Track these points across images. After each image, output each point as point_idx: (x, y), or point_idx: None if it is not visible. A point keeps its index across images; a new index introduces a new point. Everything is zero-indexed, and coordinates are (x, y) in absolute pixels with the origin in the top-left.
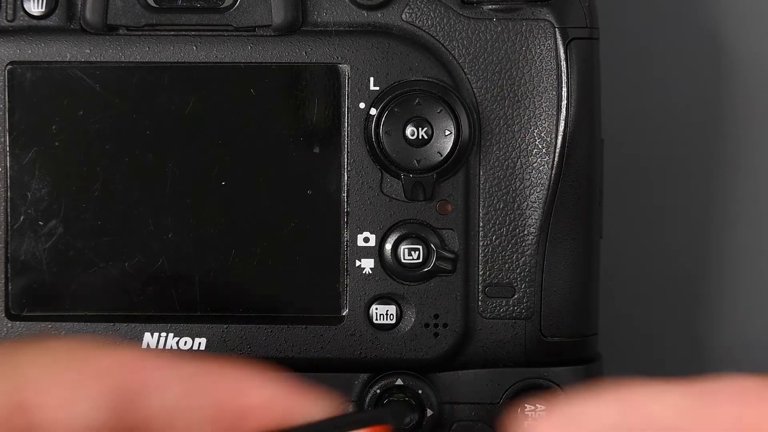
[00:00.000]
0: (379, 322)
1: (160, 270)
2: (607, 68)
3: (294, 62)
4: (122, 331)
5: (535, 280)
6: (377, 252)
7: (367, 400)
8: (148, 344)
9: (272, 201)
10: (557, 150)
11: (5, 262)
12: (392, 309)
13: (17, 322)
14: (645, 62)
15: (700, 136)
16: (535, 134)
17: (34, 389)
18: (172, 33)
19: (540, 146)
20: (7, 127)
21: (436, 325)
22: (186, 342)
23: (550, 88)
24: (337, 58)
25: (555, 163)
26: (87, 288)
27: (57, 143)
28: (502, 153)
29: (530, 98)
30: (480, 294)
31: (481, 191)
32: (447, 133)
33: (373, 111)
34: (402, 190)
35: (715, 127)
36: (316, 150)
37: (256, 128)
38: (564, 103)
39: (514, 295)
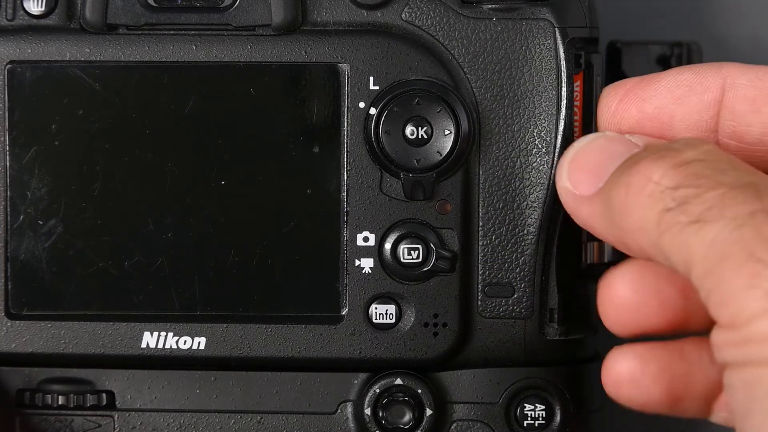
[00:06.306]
0: (378, 321)
1: (160, 269)
2: None
3: (294, 62)
4: (122, 330)
5: (534, 280)
6: (377, 251)
7: (367, 400)
8: (147, 344)
9: (272, 200)
10: (557, 150)
11: (5, 261)
12: (392, 308)
13: (17, 322)
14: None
15: None
16: (534, 134)
17: None
18: (172, 32)
19: (540, 146)
20: (7, 126)
21: (435, 325)
22: (186, 341)
23: (550, 87)
24: (337, 57)
25: (555, 162)
26: (87, 287)
27: (57, 143)
28: (501, 152)
29: (530, 98)
30: (479, 293)
31: (481, 191)
32: (446, 132)
33: (372, 110)
34: (401, 190)
35: None
36: (316, 149)
37: (255, 128)
38: (564, 103)
39: (513, 294)
